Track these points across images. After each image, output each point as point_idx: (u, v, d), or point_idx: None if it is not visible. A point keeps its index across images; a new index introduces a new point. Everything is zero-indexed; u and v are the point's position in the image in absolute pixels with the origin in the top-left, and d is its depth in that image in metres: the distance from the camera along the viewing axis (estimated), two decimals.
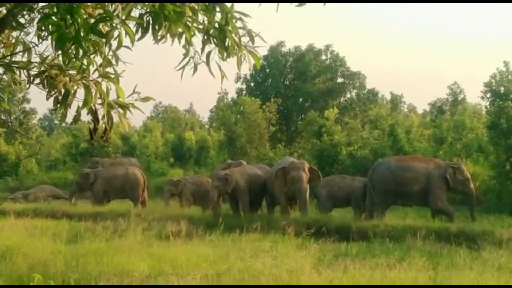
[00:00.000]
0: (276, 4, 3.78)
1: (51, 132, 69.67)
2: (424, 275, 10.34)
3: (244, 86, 48.47)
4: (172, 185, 25.15)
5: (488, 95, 28.15)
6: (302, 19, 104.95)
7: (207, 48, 4.02)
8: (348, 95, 48.05)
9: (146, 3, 3.76)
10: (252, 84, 47.96)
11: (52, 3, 3.61)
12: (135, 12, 3.85)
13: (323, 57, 48.41)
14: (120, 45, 3.86)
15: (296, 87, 46.04)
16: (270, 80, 47.14)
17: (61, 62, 3.86)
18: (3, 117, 4.09)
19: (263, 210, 22.31)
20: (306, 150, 37.30)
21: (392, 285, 8.76)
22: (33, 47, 4.07)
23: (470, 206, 19.59)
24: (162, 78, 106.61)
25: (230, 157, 37.08)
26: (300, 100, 46.77)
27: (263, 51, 4.55)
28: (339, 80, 47.78)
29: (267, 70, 46.56)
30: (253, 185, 21.59)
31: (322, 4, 3.88)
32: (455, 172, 19.02)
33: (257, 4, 3.80)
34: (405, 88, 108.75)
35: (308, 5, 3.81)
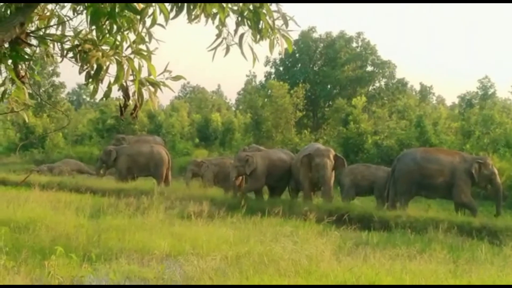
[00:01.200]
0: None
1: (79, 107, 70.15)
2: (444, 268, 10.34)
3: (273, 70, 48.35)
4: (194, 166, 25.23)
5: None
6: (335, 5, 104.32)
7: (240, 30, 4.00)
8: (377, 84, 47.72)
9: None
10: (281, 68, 47.83)
11: None
12: None
13: (354, 45, 48.13)
14: (154, 22, 3.86)
15: (325, 74, 45.85)
16: (299, 65, 46.99)
17: (95, 37, 3.87)
18: (32, 88, 4.11)
19: (286, 195, 22.31)
20: (332, 137, 37.20)
21: (393, 285, 8.74)
22: (68, 20, 4.08)
23: (496, 201, 19.39)
24: (191, 58, 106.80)
25: (256, 140, 37.14)
26: (328, 86, 46.58)
27: (294, 36, 4.54)
28: (369, 68, 47.48)
29: (297, 55, 46.41)
30: (275, 170, 21.60)
31: None
32: (480, 167, 18.87)
33: None
34: (434, 80, 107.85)
35: None
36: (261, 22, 3.92)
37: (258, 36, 3.98)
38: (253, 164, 21.06)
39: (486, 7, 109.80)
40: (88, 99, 72.03)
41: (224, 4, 3.82)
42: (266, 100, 41.10)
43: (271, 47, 4.10)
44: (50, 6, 4.12)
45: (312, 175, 20.42)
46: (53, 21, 4.16)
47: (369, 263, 10.17)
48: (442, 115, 36.23)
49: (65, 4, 4.06)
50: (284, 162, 22.06)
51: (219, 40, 4.05)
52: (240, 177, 22.27)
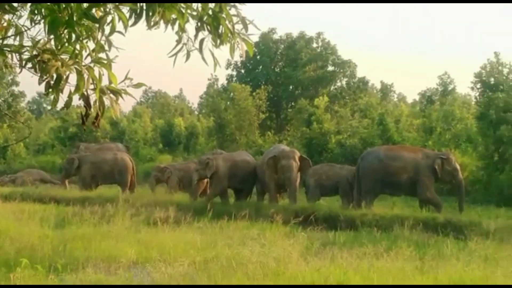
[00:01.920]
0: None
1: (40, 116, 69.37)
2: (411, 265, 10.42)
3: (234, 73, 48.44)
4: (158, 171, 25.18)
5: (478, 85, 28.18)
6: (294, 6, 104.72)
7: (200, 35, 3.99)
8: (339, 84, 48.04)
9: None
10: (242, 71, 47.92)
11: None
12: None
13: (314, 45, 48.40)
14: (113, 30, 3.84)
15: (287, 75, 46.02)
16: (260, 67, 47.13)
17: (54, 47, 3.83)
18: None
19: (252, 198, 22.33)
20: (296, 138, 37.32)
21: (394, 285, 8.78)
22: (26, 30, 4.03)
23: (459, 196, 19.64)
24: (152, 63, 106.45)
25: (219, 143, 37.20)
26: (291, 87, 46.77)
27: (254, 38, 4.54)
28: (330, 68, 47.76)
29: (258, 57, 46.50)
30: (238, 171, 21.64)
31: None
32: (443, 163, 19.06)
33: None
34: (395, 78, 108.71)
35: None
36: (220, 26, 3.91)
37: (218, 41, 3.98)
38: (213, 166, 21.14)
39: (446, 4, 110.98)
40: (49, 107, 71.26)
41: (183, 10, 3.81)
42: (228, 103, 41.14)
43: (232, 51, 4.10)
44: (7, 16, 4.07)
45: (278, 177, 20.47)
46: (11, 31, 4.11)
47: (336, 263, 10.19)
48: (404, 113, 36.49)
49: (22, 13, 4.01)
50: (248, 163, 22.12)
51: (180, 46, 4.04)
52: (205, 181, 22.31)
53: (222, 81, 49.48)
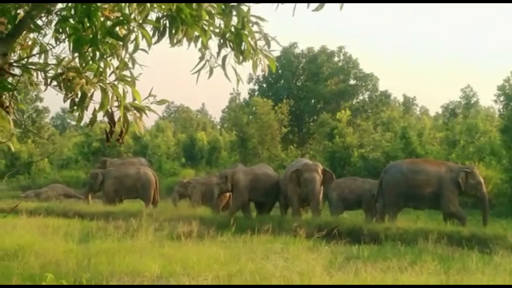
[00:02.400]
0: (292, 5, 3.79)
1: (64, 131, 69.88)
2: (436, 279, 10.35)
3: (256, 87, 48.50)
4: (181, 186, 25.24)
5: (501, 98, 27.97)
6: (315, 20, 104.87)
7: (223, 52, 4.03)
8: (361, 97, 47.97)
9: (163, 7, 3.78)
10: (264, 85, 47.96)
11: (70, 5, 3.63)
12: (152, 16, 3.87)
13: (336, 59, 48.39)
14: (137, 48, 3.87)
15: (309, 89, 46.01)
16: (282, 81, 47.13)
17: (78, 65, 3.88)
18: (17, 115, 4.09)
19: (275, 211, 22.31)
20: (318, 152, 37.31)
21: (398, 285, 8.73)
22: (50, 49, 4.08)
23: (483, 210, 19.48)
24: (175, 78, 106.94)
25: (242, 158, 37.23)
26: (312, 101, 46.75)
27: (276, 53, 4.57)
28: (352, 82, 47.72)
29: (280, 71, 46.51)
30: (260, 185, 21.69)
31: (339, 5, 3.85)
32: (467, 176, 18.95)
33: (273, 6, 3.81)
34: (418, 91, 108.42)
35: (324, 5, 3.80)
36: (243, 43, 3.94)
37: (241, 58, 4.01)
38: (232, 179, 21.19)
39: (467, 17, 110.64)
40: (73, 122, 71.75)
41: (206, 27, 3.84)
42: (250, 117, 41.16)
43: (254, 67, 4.13)
44: (32, 35, 4.13)
45: (301, 190, 20.42)
46: (36, 49, 4.16)
47: (360, 277, 10.15)
48: (427, 126, 36.36)
49: (47, 32, 4.06)
50: (269, 177, 22.15)
51: (202, 62, 4.07)
52: (227, 195, 22.38)
53: (244, 95, 49.56)
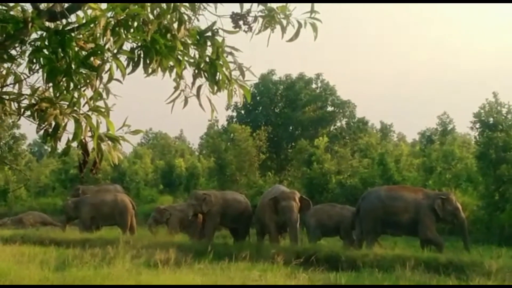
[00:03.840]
0: (266, 37, 3.82)
1: (41, 158, 69.35)
2: None
3: (234, 114, 48.54)
4: (157, 213, 25.15)
5: (478, 125, 28.14)
6: (292, 47, 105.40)
7: (198, 82, 4.05)
8: (338, 124, 48.14)
9: (138, 38, 3.78)
10: (242, 112, 48.03)
11: (44, 36, 3.63)
12: (127, 46, 3.88)
13: (314, 86, 48.62)
14: (111, 78, 3.88)
15: (286, 115, 46.14)
16: (260, 108, 47.24)
17: (52, 95, 3.87)
18: None
19: (253, 238, 22.29)
20: (296, 178, 37.36)
21: (397, 285, 8.73)
22: (25, 79, 4.08)
23: (463, 236, 19.54)
24: (152, 105, 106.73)
25: (220, 184, 37.19)
26: (290, 128, 46.84)
27: (254, 79, 4.59)
28: (329, 108, 47.91)
29: (258, 98, 46.62)
30: (230, 210, 21.81)
31: (313, 35, 3.90)
32: (443, 203, 19.06)
33: (248, 36, 3.84)
34: (394, 117, 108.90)
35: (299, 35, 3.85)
36: (218, 73, 3.96)
37: (215, 88, 4.03)
38: (211, 202, 21.21)
39: (444, 42, 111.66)
40: (49, 149, 71.29)
41: (181, 57, 3.86)
42: (229, 143, 41.19)
43: (230, 97, 4.16)
44: (5, 65, 4.12)
45: (279, 218, 20.41)
46: (9, 79, 4.15)
47: None
48: (404, 152, 36.50)
49: (21, 62, 4.06)
50: (239, 203, 22.28)
51: (177, 92, 4.09)
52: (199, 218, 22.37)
53: (223, 121, 49.63)
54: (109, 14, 3.79)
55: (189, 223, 22.91)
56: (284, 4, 3.95)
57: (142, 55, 3.81)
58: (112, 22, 3.79)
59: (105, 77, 3.89)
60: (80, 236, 23.31)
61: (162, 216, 24.66)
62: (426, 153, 34.25)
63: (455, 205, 19.33)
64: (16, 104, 4.03)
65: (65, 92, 3.79)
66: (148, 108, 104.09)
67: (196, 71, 3.98)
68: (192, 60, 3.94)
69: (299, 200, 20.66)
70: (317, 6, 3.97)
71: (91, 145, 3.92)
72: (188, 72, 4.02)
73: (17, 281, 13.40)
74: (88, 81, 3.83)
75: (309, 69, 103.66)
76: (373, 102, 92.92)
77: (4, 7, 3.82)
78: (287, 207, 20.17)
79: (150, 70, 3.86)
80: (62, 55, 3.55)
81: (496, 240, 22.06)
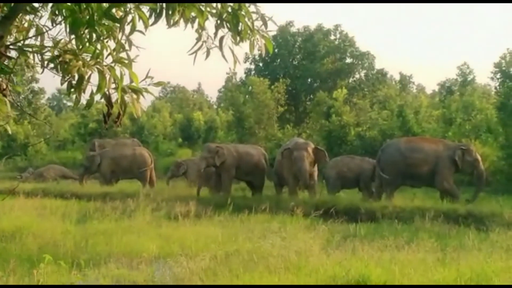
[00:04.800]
0: None
1: (60, 112, 69.66)
2: (432, 256, 10.39)
3: (252, 66, 48.25)
4: (174, 167, 25.28)
5: (498, 75, 27.95)
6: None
7: (220, 33, 4.01)
8: (357, 76, 47.68)
9: None
10: (260, 64, 47.73)
11: None
12: None
13: (332, 37, 48.10)
14: (133, 29, 3.86)
15: (305, 67, 45.79)
16: (278, 60, 46.90)
17: (75, 47, 3.86)
18: (13, 97, 4.09)
19: (271, 191, 22.37)
20: (315, 131, 37.26)
21: (399, 285, 8.75)
22: (47, 31, 4.06)
23: (477, 186, 19.55)
24: (170, 58, 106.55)
25: (239, 137, 37.24)
26: (309, 80, 46.51)
27: (272, 32, 4.57)
28: (348, 60, 47.47)
29: (276, 50, 46.15)
30: (243, 163, 21.98)
31: None
32: (463, 154, 19.02)
33: None
34: (414, 68, 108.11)
35: None
36: (240, 24, 3.93)
37: (238, 38, 4.00)
38: (223, 155, 21.30)
39: None
40: (69, 103, 71.49)
41: (203, 8, 3.83)
42: (247, 96, 41.06)
43: (251, 48, 4.12)
44: (28, 17, 4.11)
45: (293, 169, 20.47)
46: (32, 32, 4.14)
47: (358, 255, 10.19)
48: (423, 104, 36.32)
49: (43, 14, 4.04)
50: (252, 156, 22.34)
51: (199, 43, 4.06)
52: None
53: (241, 74, 49.33)
54: None
55: (209, 177, 22.99)
56: None
57: (164, 6, 3.78)
58: None
59: (128, 28, 3.88)
60: (101, 189, 23.51)
61: (179, 169, 24.78)
62: (445, 104, 34.09)
63: (475, 157, 19.28)
64: (39, 56, 4.03)
65: (88, 44, 3.77)
66: (166, 61, 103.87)
67: (219, 21, 3.95)
68: (214, 11, 3.91)
69: (313, 150, 20.71)
70: None
71: (114, 97, 3.92)
72: (211, 23, 3.99)
73: (39, 234, 13.57)
74: (110, 32, 3.81)
75: (327, 20, 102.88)
76: (392, 53, 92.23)
77: None
78: (298, 157, 20.25)
79: (172, 21, 3.83)
80: (84, 6, 3.53)
81: None
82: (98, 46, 3.83)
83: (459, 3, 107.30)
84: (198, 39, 4.04)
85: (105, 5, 3.62)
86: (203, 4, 3.83)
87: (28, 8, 3.88)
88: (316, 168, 21.11)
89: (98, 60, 3.82)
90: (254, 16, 3.99)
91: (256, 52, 4.26)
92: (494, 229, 13.21)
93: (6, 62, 3.92)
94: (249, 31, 3.98)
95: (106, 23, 3.72)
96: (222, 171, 21.85)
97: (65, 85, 3.94)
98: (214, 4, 3.89)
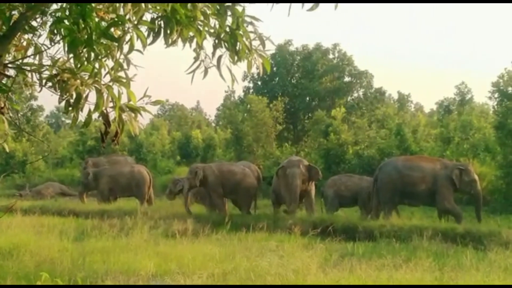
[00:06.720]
0: (287, 5, 3.79)
1: (58, 129, 69.68)
2: (430, 276, 10.39)
3: (251, 85, 48.28)
4: (172, 184, 25.25)
5: (496, 95, 27.97)
6: (310, 18, 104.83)
7: (218, 52, 4.04)
8: (355, 94, 47.77)
9: (158, 8, 3.79)
10: (259, 83, 47.78)
11: (65, 6, 3.63)
12: (147, 17, 3.88)
13: (331, 56, 48.21)
14: (131, 49, 3.89)
15: (303, 86, 45.85)
16: (277, 78, 46.93)
17: (73, 66, 3.88)
18: (11, 115, 4.11)
19: (270, 209, 22.35)
20: (313, 149, 37.24)
21: (398, 285, 8.76)
22: (45, 50, 4.09)
23: (476, 207, 19.51)
24: (169, 76, 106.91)
25: (237, 155, 37.23)
26: (307, 99, 46.58)
27: (270, 50, 4.60)
28: (346, 79, 47.54)
29: (274, 69, 46.20)
30: (226, 181, 21.94)
31: (333, 4, 3.88)
32: (461, 174, 19.00)
33: (268, 6, 3.83)
34: (412, 87, 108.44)
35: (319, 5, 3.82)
36: (238, 43, 3.95)
37: (236, 57, 4.02)
38: (200, 175, 21.31)
39: (461, 13, 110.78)
40: (67, 121, 71.55)
41: (201, 27, 3.85)
42: (245, 114, 41.05)
43: (249, 67, 4.15)
44: (26, 36, 4.13)
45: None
46: (30, 50, 4.17)
47: (355, 274, 10.19)
48: (421, 122, 36.42)
49: (42, 33, 4.07)
50: (234, 174, 22.14)
51: (197, 63, 4.08)
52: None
53: (239, 93, 49.41)
54: None
55: (204, 194, 22.96)
56: None
57: (162, 26, 3.81)
58: None
59: (126, 47, 3.90)
60: (98, 207, 23.49)
61: (176, 186, 24.74)
62: (443, 123, 34.09)
63: (473, 177, 19.27)
64: (37, 75, 4.05)
65: (86, 62, 3.79)
66: (165, 79, 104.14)
67: (216, 41, 3.98)
68: (212, 30, 3.94)
69: (307, 168, 20.79)
70: None
71: (112, 115, 3.94)
72: (208, 42, 4.02)
73: (37, 251, 13.56)
74: (108, 51, 3.84)
75: (326, 39, 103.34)
76: (391, 73, 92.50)
77: None
78: (291, 173, 20.35)
79: (170, 41, 3.86)
80: (83, 25, 3.55)
81: None
82: (96, 65, 3.86)
83: (457, 21, 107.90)
84: (196, 58, 4.07)
85: (103, 24, 3.64)
86: (201, 23, 3.86)
87: (26, 27, 3.91)
88: (313, 186, 21.16)
89: (96, 79, 3.85)
90: (251, 35, 4.02)
91: (254, 71, 4.28)
92: (492, 249, 13.21)
93: (4, 81, 3.94)
94: (247, 51, 4.01)
95: (105, 42, 3.75)
96: (209, 190, 21.92)
97: (63, 103, 3.97)
98: (212, 24, 3.92)
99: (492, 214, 20.88)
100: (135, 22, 3.79)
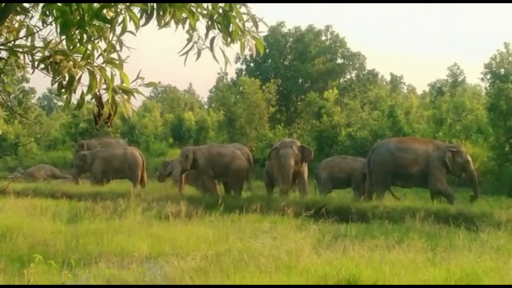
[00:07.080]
0: None
1: (50, 112, 69.49)
2: (423, 256, 10.44)
3: (243, 67, 48.14)
4: (162, 166, 25.23)
5: (488, 76, 27.99)
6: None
7: (211, 34, 4.03)
8: (348, 76, 47.66)
9: None
10: (251, 65, 47.64)
11: None
12: None
13: (323, 38, 48.04)
14: (124, 30, 3.87)
15: (296, 68, 45.74)
16: (269, 60, 46.81)
17: (65, 47, 3.86)
18: (3, 97, 4.11)
19: (263, 191, 22.36)
20: (306, 131, 37.29)
21: (397, 285, 8.79)
22: (37, 31, 4.07)
23: (473, 187, 19.51)
24: (161, 58, 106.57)
25: (229, 137, 37.22)
26: (300, 81, 46.48)
27: (263, 32, 4.58)
28: (339, 61, 47.41)
29: (267, 51, 45.95)
30: (215, 164, 21.93)
31: None
32: (454, 155, 19.02)
33: None
34: (405, 69, 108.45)
35: None
36: (231, 25, 3.94)
37: (229, 39, 4.01)
38: (190, 158, 21.44)
39: None
40: (59, 103, 71.38)
41: (194, 9, 3.84)
42: (238, 97, 40.96)
43: (242, 49, 4.14)
44: (18, 17, 4.11)
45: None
46: (22, 32, 4.15)
47: (348, 255, 10.22)
48: (414, 104, 36.43)
49: (34, 14, 4.05)
50: (223, 156, 22.09)
51: (190, 44, 4.07)
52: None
53: (232, 75, 49.26)
54: None
55: (196, 176, 22.95)
56: None
57: (155, 7, 3.79)
58: None
59: (118, 29, 3.88)
60: (92, 189, 23.46)
61: (166, 169, 24.70)
62: (436, 104, 34.14)
63: (466, 158, 19.30)
64: (29, 57, 4.03)
65: (78, 44, 3.78)
66: (157, 61, 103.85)
67: (210, 22, 3.96)
68: (205, 12, 3.92)
69: (300, 148, 20.93)
70: None
71: (105, 97, 3.93)
72: (201, 24, 4.01)
73: (30, 233, 13.56)
74: (101, 33, 3.83)
75: (318, 21, 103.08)
76: (383, 54, 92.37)
77: None
78: (283, 154, 20.52)
79: (163, 22, 3.85)
80: (75, 7, 3.54)
81: (506, 191, 22.13)
82: (89, 47, 3.85)
83: (450, 3, 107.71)
84: (189, 40, 4.05)
85: (96, 5, 3.63)
86: (194, 5, 3.84)
87: (18, 8, 3.88)
88: (306, 168, 21.23)
89: (89, 60, 3.84)
90: (245, 17, 4.00)
91: (247, 52, 4.28)
92: (484, 229, 13.25)
93: None
94: (240, 32, 4.00)
95: (97, 24, 3.74)
96: (200, 173, 21.97)
97: (56, 85, 3.95)
98: (205, 5, 3.90)
99: (484, 195, 20.94)
100: (128, 4, 3.78)
